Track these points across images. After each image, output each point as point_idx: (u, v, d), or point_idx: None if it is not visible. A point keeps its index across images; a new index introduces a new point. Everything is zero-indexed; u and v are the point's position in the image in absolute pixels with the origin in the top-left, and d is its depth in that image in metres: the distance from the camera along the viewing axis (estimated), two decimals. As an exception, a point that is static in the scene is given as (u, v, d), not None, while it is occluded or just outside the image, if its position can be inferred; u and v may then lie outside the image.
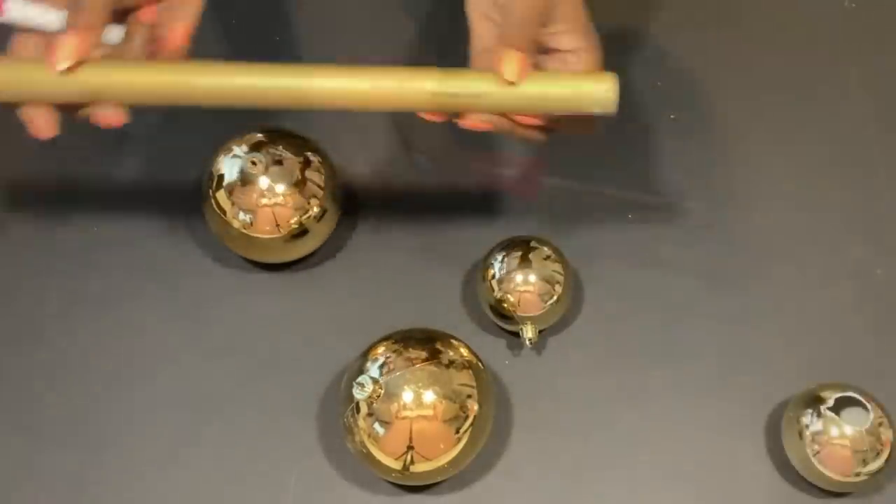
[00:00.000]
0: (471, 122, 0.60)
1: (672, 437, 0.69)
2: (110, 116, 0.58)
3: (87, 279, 0.74)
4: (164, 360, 0.72)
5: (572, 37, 0.60)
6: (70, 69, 0.56)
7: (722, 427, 0.69)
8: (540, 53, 0.61)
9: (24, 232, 0.76)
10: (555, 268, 0.69)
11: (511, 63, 0.58)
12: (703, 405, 0.70)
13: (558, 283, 0.69)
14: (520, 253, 0.69)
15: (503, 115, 0.60)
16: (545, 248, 0.70)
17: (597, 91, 0.58)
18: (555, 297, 0.69)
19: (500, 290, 0.69)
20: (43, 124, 0.58)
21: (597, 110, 0.59)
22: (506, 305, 0.69)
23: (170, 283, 0.74)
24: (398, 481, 0.67)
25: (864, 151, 0.79)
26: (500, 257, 0.69)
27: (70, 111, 0.59)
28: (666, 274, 0.74)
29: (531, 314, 0.69)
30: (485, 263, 0.70)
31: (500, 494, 0.68)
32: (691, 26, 0.84)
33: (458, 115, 0.60)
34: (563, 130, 0.63)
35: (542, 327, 0.70)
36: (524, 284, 0.68)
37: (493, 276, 0.69)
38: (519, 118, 0.60)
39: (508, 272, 0.69)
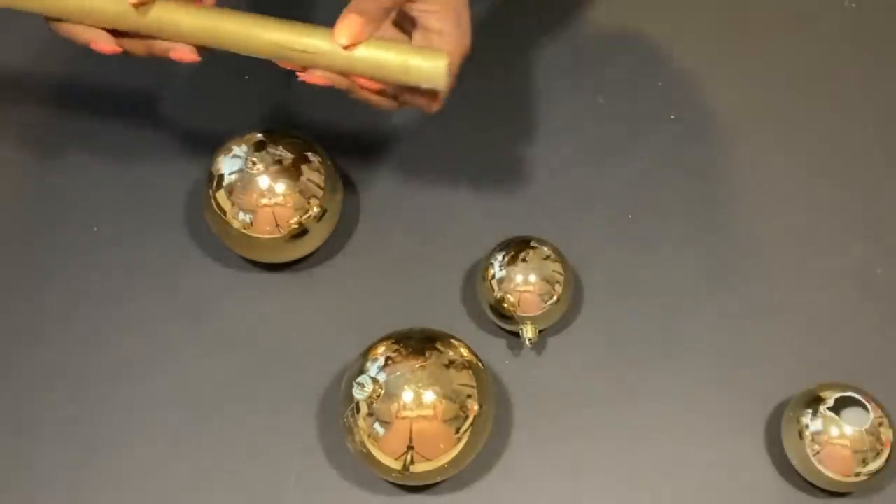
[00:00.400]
0: (310, 77, 0.61)
1: (672, 437, 0.69)
2: (184, 53, 0.61)
3: (88, 279, 0.74)
4: (164, 360, 0.72)
5: (439, 17, 0.61)
6: (140, 3, 0.59)
7: (722, 427, 0.69)
8: (413, 28, 0.62)
9: (25, 232, 0.76)
10: (555, 268, 0.69)
11: (346, 27, 0.59)
12: (702, 405, 0.70)
13: (558, 283, 0.69)
14: (520, 253, 0.69)
15: (345, 74, 0.61)
16: (545, 248, 0.70)
17: (426, 66, 0.59)
18: (555, 298, 0.69)
19: (500, 290, 0.69)
20: (106, 43, 0.61)
21: (426, 85, 0.60)
22: (506, 305, 0.69)
23: (170, 283, 0.74)
24: (398, 481, 0.67)
25: (864, 151, 0.79)
26: (500, 257, 0.69)
27: (141, 41, 0.62)
28: (666, 273, 0.74)
29: (531, 314, 0.69)
30: (485, 263, 0.70)
31: (500, 494, 0.68)
32: (692, 26, 0.84)
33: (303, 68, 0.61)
34: (406, 100, 0.64)
35: (542, 327, 0.70)
36: (524, 284, 0.68)
37: (493, 276, 0.69)
38: (358, 80, 0.61)
39: (508, 272, 0.69)
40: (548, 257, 0.69)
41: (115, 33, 0.61)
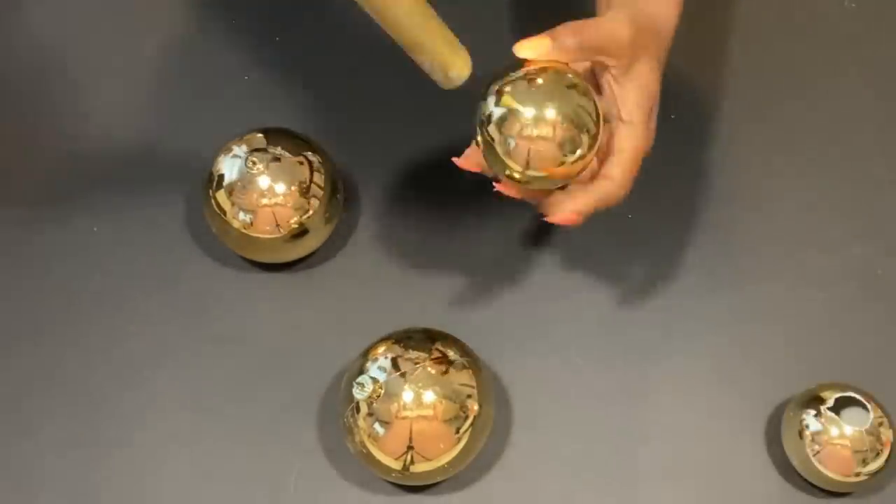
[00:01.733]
0: (504, 189, 0.62)
1: (672, 438, 0.69)
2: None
3: (88, 279, 0.74)
4: (164, 360, 0.72)
5: (633, 105, 0.60)
6: None
7: (722, 427, 0.69)
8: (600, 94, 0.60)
9: (25, 232, 0.76)
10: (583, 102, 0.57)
11: (535, 45, 0.58)
12: (702, 405, 0.70)
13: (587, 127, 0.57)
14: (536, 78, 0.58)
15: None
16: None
17: (452, 60, 0.61)
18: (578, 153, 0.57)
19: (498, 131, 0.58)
20: None
21: (440, 79, 0.61)
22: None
23: (170, 284, 0.74)
24: (398, 481, 0.67)
25: (864, 151, 0.79)
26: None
27: None
28: (666, 273, 0.74)
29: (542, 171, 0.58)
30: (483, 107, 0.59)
31: (500, 494, 0.68)
32: (691, 26, 0.84)
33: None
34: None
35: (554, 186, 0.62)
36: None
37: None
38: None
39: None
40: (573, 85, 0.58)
41: None
